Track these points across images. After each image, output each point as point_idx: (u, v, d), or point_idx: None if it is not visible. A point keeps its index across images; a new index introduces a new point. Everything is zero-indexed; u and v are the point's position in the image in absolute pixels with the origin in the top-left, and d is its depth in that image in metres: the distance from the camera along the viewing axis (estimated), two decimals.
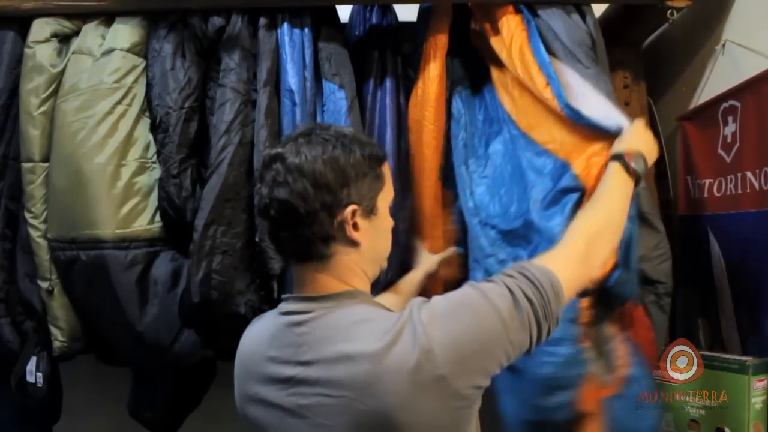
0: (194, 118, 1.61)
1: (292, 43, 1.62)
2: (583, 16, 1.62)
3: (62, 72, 1.62)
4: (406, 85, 1.71)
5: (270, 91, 1.60)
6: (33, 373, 1.63)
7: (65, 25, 1.65)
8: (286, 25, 1.63)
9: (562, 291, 0.99)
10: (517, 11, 1.60)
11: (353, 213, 0.98)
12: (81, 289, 1.58)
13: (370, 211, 1.01)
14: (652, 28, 1.88)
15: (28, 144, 1.60)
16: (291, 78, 1.60)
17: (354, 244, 0.99)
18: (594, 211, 1.18)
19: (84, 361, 1.72)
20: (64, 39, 1.66)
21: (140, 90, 1.61)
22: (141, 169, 1.58)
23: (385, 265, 1.11)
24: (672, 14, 1.66)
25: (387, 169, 1.06)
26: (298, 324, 0.98)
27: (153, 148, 1.61)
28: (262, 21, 1.64)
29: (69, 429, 1.94)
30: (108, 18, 1.65)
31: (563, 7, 1.60)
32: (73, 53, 1.63)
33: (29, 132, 1.60)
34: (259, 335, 1.06)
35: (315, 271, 1.00)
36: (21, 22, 1.64)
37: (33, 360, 1.64)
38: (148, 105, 1.62)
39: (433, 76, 1.64)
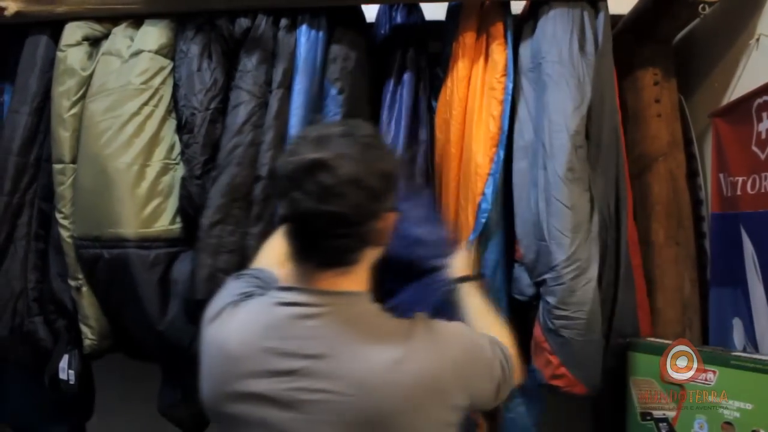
0: (219, 119, 1.62)
1: (308, 44, 1.62)
2: (596, 12, 1.61)
3: (92, 74, 1.64)
4: (434, 83, 1.71)
5: (283, 93, 1.60)
6: (65, 370, 1.67)
7: (96, 29, 1.68)
8: (304, 27, 1.63)
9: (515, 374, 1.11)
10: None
11: (391, 217, 1.00)
12: (104, 287, 1.61)
13: (394, 212, 1.02)
14: (683, 24, 1.84)
15: (59, 146, 1.63)
16: (301, 80, 1.60)
17: (380, 246, 1.01)
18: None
19: (115, 359, 1.75)
20: (95, 42, 1.69)
21: (167, 91, 1.63)
22: (165, 170, 1.60)
23: None
24: (704, 9, 1.64)
25: None
26: (308, 317, 0.96)
27: (177, 149, 1.63)
28: (283, 22, 1.64)
29: (101, 426, 1.97)
30: (137, 20, 1.67)
31: (576, 3, 1.59)
32: (102, 54, 1.65)
33: (60, 134, 1.63)
34: (248, 327, 0.99)
35: (336, 275, 0.98)
36: (54, 27, 1.67)
37: (65, 357, 1.67)
38: (175, 106, 1.64)
39: (461, 76, 1.65)
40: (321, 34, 1.63)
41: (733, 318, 1.66)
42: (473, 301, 1.27)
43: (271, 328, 0.97)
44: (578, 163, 1.52)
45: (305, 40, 1.62)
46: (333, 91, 1.62)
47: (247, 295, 1.05)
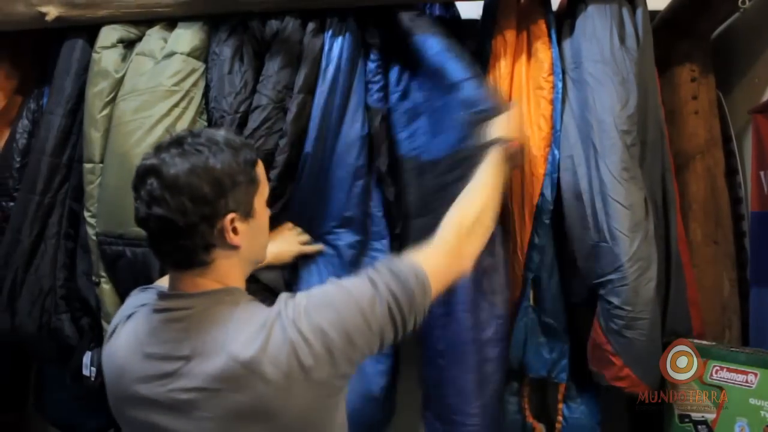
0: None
1: (335, 47, 1.60)
2: (634, 8, 1.59)
3: (125, 75, 1.65)
4: None
5: (303, 98, 1.59)
6: (88, 366, 1.70)
7: (131, 31, 1.69)
8: (331, 30, 1.61)
9: (430, 285, 1.07)
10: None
11: (232, 220, 1.00)
12: (124, 285, 1.61)
13: (247, 215, 1.03)
14: (722, 19, 1.82)
15: (90, 146, 1.65)
16: (325, 82, 1.59)
17: (234, 248, 1.02)
18: (468, 203, 1.24)
19: None
20: (129, 44, 1.70)
21: (198, 94, 1.63)
22: None
23: (263, 257, 1.13)
24: (743, 3, 1.61)
25: (261, 169, 1.08)
26: (178, 320, 1.01)
27: None
28: (310, 26, 1.62)
29: None
30: (171, 22, 1.68)
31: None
32: (136, 54, 1.66)
33: (91, 134, 1.65)
34: (134, 334, 1.06)
35: (195, 276, 1.02)
36: (91, 31, 1.69)
37: (88, 354, 1.70)
38: (206, 107, 1.64)
39: (504, 74, 1.63)
40: (348, 36, 1.61)
41: None
42: (483, 171, 1.29)
43: (150, 334, 1.03)
44: (632, 162, 1.48)
45: (331, 44, 1.60)
46: (374, 56, 1.63)
47: (145, 306, 1.10)
